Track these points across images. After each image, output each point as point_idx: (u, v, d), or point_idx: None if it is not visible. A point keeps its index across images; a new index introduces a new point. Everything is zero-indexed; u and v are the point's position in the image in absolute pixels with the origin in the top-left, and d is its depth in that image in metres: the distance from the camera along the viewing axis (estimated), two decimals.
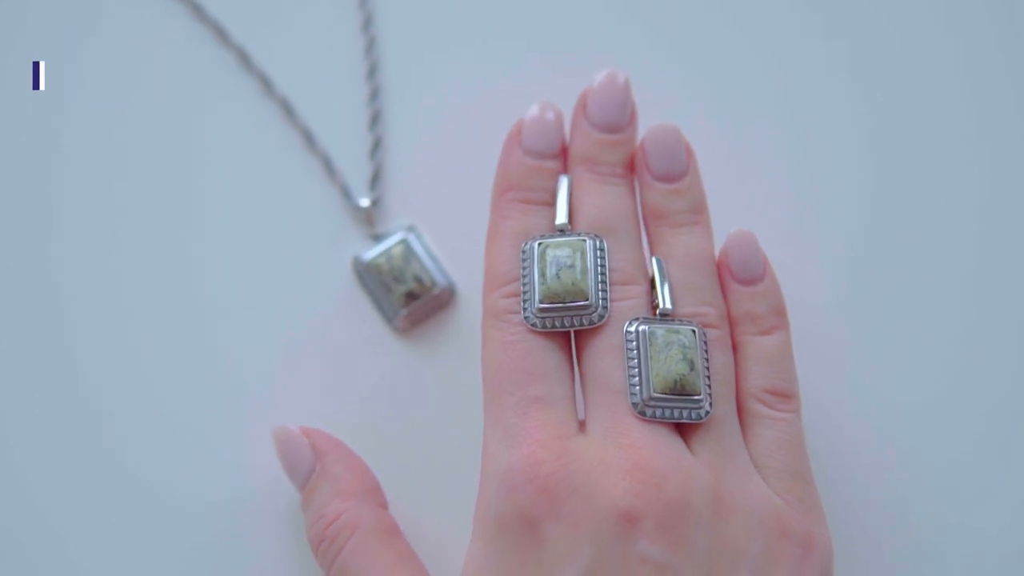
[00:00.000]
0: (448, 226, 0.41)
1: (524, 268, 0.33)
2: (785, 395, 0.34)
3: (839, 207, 0.41)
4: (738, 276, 0.35)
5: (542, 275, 0.33)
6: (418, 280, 0.40)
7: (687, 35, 0.43)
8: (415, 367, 0.40)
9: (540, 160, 0.35)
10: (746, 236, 0.35)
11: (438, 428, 0.39)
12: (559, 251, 0.33)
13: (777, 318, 0.35)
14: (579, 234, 0.34)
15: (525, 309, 0.33)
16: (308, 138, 0.41)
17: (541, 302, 0.33)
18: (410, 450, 0.39)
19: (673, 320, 0.33)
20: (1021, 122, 0.42)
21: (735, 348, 0.34)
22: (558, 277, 0.33)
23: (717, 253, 0.35)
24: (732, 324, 0.35)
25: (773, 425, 0.33)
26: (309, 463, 0.36)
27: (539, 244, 0.33)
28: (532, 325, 0.33)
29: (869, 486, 0.38)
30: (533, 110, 0.36)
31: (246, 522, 0.38)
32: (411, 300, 0.40)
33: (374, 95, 0.42)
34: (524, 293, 0.33)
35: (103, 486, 0.38)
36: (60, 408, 0.39)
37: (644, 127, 0.36)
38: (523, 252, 0.34)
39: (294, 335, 0.40)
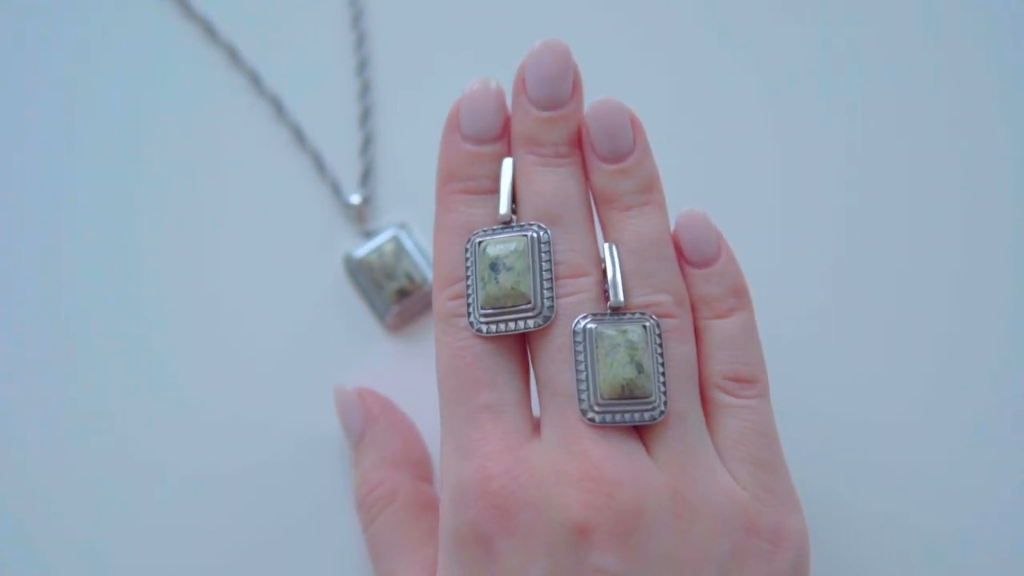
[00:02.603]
0: None
1: (467, 268, 0.32)
2: (747, 380, 0.32)
3: (820, 213, 0.41)
4: (690, 258, 0.33)
5: (482, 279, 0.31)
6: (409, 277, 0.40)
7: (675, 40, 0.42)
8: (406, 364, 0.40)
9: (480, 145, 0.33)
10: (696, 215, 0.33)
11: (429, 425, 0.39)
12: (499, 248, 0.31)
13: (735, 299, 0.33)
14: (522, 226, 0.32)
15: (470, 314, 0.31)
16: (298, 135, 0.41)
17: (483, 308, 0.31)
18: None
19: (624, 315, 0.31)
20: (1002, 130, 0.41)
21: (695, 334, 0.33)
22: (497, 281, 0.31)
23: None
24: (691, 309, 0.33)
25: (736, 413, 0.32)
26: (360, 426, 0.37)
27: (480, 241, 0.32)
28: (477, 331, 0.31)
29: (850, 486, 0.39)
30: (468, 89, 0.33)
31: (238, 512, 0.39)
32: (402, 297, 0.40)
33: (364, 91, 0.42)
34: (468, 296, 0.32)
35: (109, 470, 0.39)
36: (67, 400, 0.40)
37: None
38: (466, 250, 0.32)
39: (285, 332, 0.40)
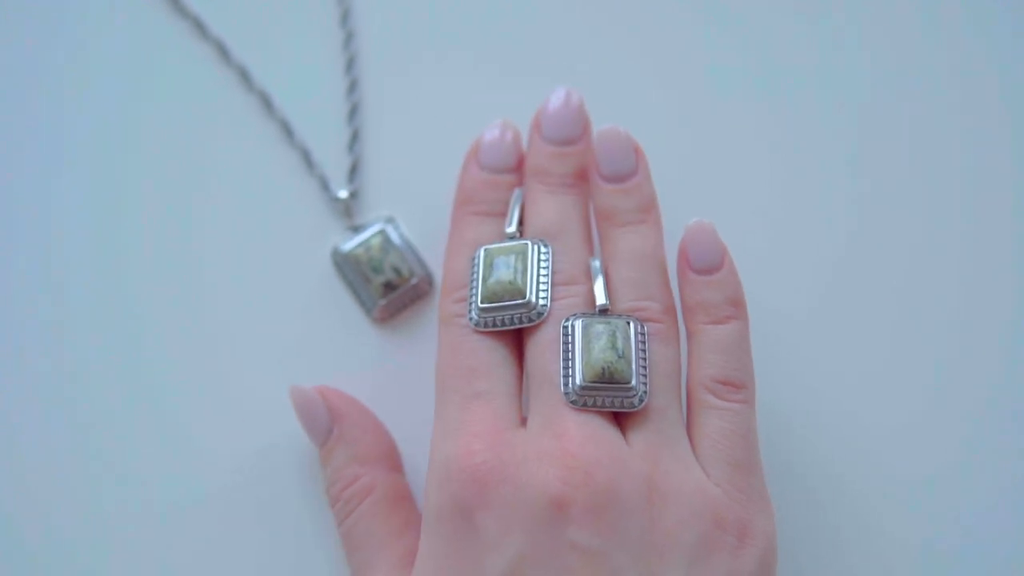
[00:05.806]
0: (426, 217, 0.41)
1: (472, 274, 0.35)
2: (734, 385, 0.34)
3: (817, 212, 0.41)
4: (694, 265, 0.35)
5: (483, 279, 0.34)
6: (396, 271, 0.40)
7: (666, 41, 0.43)
8: (393, 357, 0.40)
9: (495, 175, 0.37)
10: (704, 226, 0.35)
11: (416, 417, 0.39)
12: (501, 256, 0.34)
13: (733, 308, 0.34)
14: (524, 239, 0.35)
15: (470, 310, 0.34)
16: (287, 131, 0.42)
17: (482, 302, 0.34)
18: None
19: (610, 315, 0.34)
20: (1004, 126, 0.42)
21: (690, 337, 0.35)
22: (497, 279, 0.34)
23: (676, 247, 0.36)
24: (687, 314, 0.35)
25: (719, 415, 0.33)
26: (326, 424, 0.37)
27: (485, 251, 0.35)
28: (476, 325, 0.34)
29: (838, 488, 0.39)
30: (491, 130, 0.37)
31: (232, 507, 0.39)
32: (389, 291, 0.40)
33: (352, 87, 0.42)
34: (470, 298, 0.34)
35: (101, 469, 0.39)
36: (50, 386, 0.40)
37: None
38: (472, 259, 0.35)
39: (273, 326, 0.40)
